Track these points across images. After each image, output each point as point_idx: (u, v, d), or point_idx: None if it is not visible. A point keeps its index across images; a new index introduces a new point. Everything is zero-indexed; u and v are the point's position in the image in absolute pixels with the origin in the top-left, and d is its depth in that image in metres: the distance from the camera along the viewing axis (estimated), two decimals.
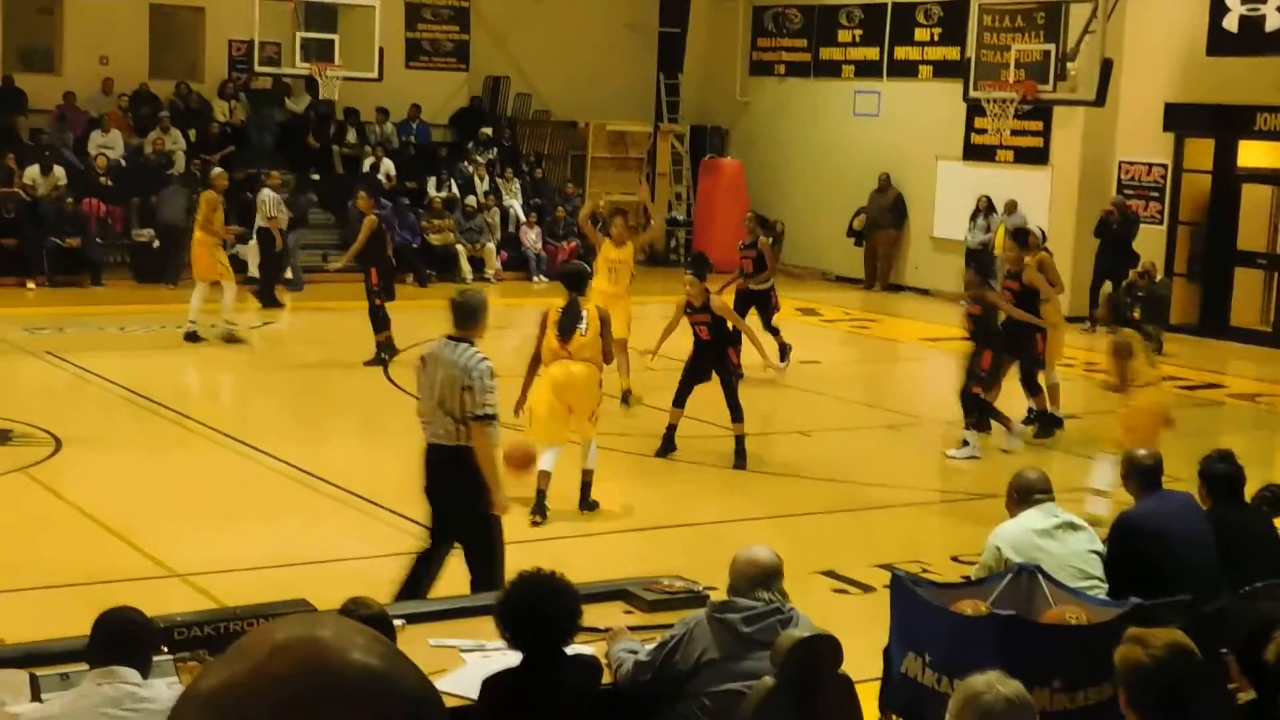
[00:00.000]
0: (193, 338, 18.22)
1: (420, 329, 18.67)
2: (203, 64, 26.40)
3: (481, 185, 26.23)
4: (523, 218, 26.11)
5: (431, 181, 26.11)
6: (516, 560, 8.65)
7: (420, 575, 8.42)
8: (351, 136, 26.66)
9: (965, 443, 13.69)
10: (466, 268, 24.75)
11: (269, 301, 21.29)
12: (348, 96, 25.59)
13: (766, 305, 17.25)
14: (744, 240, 17.63)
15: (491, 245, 25.32)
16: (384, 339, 17.28)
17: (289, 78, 25.29)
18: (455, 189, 26.11)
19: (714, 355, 12.88)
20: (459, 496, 8.30)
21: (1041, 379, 14.66)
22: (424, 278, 24.12)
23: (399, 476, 13.01)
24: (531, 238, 25.80)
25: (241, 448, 13.19)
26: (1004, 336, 13.99)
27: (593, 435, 11.02)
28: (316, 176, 25.60)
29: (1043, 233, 16.78)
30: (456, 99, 28.23)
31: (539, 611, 5.63)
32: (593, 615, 6.32)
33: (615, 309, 13.47)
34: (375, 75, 23.47)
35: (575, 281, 11.15)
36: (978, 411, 13.73)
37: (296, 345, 19.64)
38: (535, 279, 24.96)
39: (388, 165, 25.69)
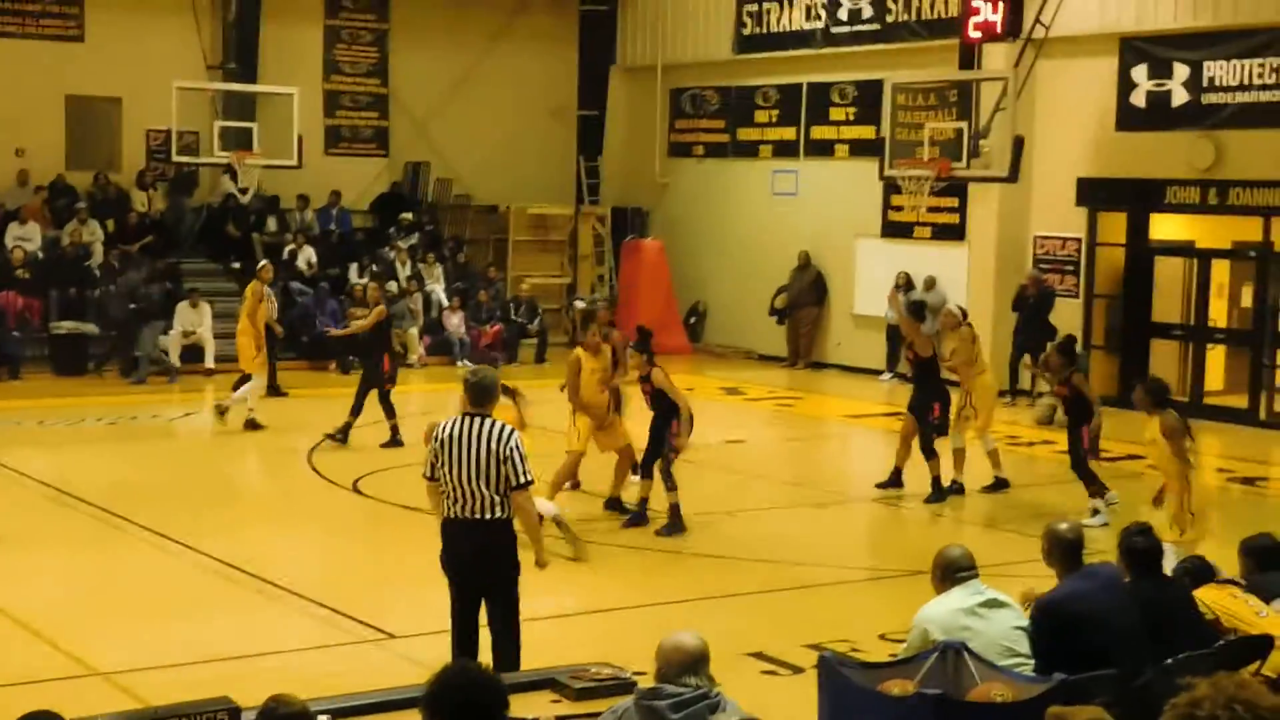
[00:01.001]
0: (253, 425, 18.63)
1: (343, 416, 18.66)
2: (120, 154, 26.32)
3: (404, 271, 26.22)
4: (445, 302, 26.11)
5: (353, 268, 26.08)
6: (441, 649, 8.63)
7: (472, 643, 8.63)
8: (272, 224, 26.62)
9: (1096, 511, 14.57)
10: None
11: (272, 390, 21.18)
12: (267, 184, 25.59)
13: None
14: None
15: (415, 331, 25.28)
16: (392, 425, 17.38)
17: (207, 166, 25.24)
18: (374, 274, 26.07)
19: (654, 424, 13.57)
20: (493, 566, 8.55)
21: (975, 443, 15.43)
22: (347, 365, 24.01)
23: (323, 568, 12.96)
24: (455, 322, 25.79)
25: (164, 542, 13.04)
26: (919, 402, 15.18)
27: None
28: (237, 265, 25.50)
29: (963, 310, 17.06)
30: (377, 185, 28.30)
31: (465, 702, 5.57)
32: (520, 705, 6.28)
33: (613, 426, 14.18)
34: (295, 162, 23.48)
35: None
36: (1093, 479, 14.82)
37: (219, 436, 19.47)
38: (460, 363, 24.92)
39: (308, 252, 25.65)
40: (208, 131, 23.98)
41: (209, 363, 23.07)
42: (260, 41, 26.58)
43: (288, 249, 25.68)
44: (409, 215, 27.51)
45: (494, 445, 8.37)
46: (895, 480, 15.81)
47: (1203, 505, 11.66)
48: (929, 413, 15.35)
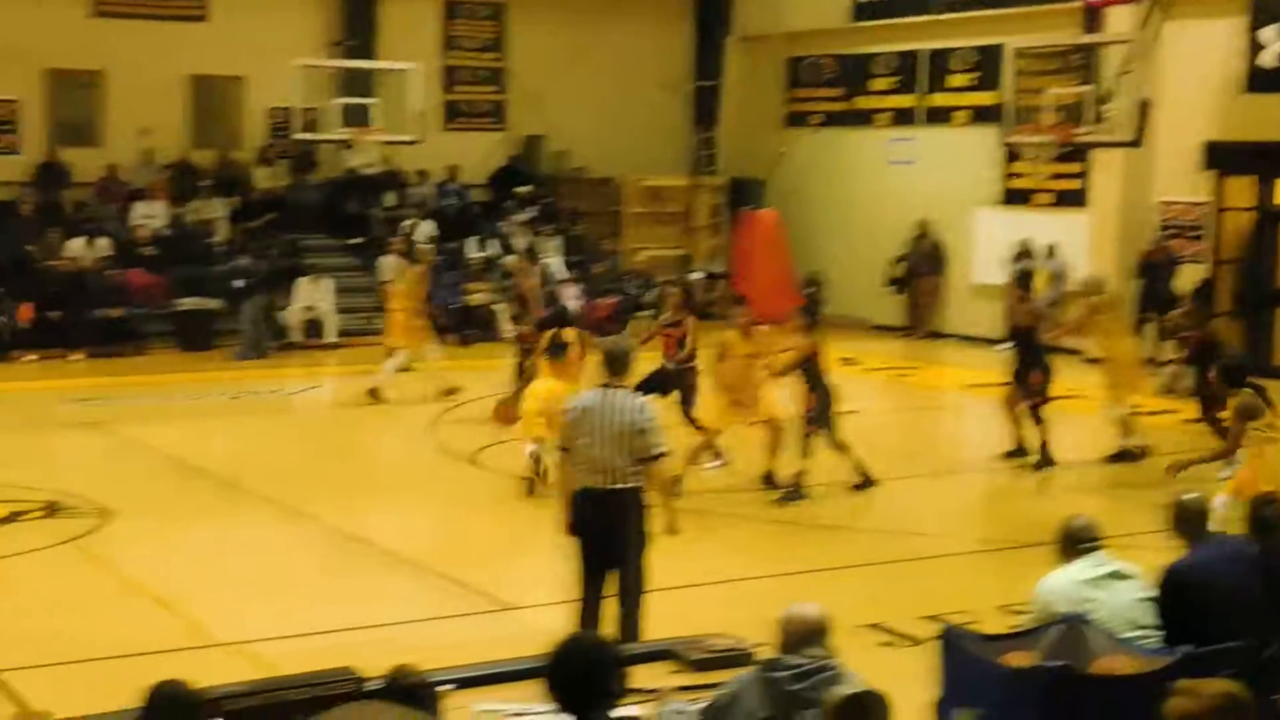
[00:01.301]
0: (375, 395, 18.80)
1: (466, 387, 18.81)
2: (242, 132, 26.65)
3: (520, 244, 26.31)
4: (561, 275, 26.16)
5: (471, 241, 26.22)
6: (560, 620, 8.67)
7: (596, 615, 8.71)
8: (391, 199, 26.83)
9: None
10: (506, 326, 24.77)
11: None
12: (387, 160, 25.77)
13: (688, 390, 15.16)
14: (667, 317, 15.47)
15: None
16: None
17: (328, 143, 25.49)
18: (494, 248, 26.23)
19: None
20: (625, 536, 8.62)
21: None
22: (466, 338, 24.21)
23: (442, 539, 13.08)
24: (570, 294, 25.83)
25: (287, 514, 13.23)
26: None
27: None
28: (357, 240, 25.76)
29: (1100, 281, 16.93)
30: (494, 158, 28.40)
31: (584, 673, 5.59)
32: (640, 676, 6.30)
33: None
34: (414, 138, 23.63)
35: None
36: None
37: (339, 408, 19.70)
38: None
39: (427, 226, 25.82)
40: (328, 108, 24.20)
41: (330, 337, 23.33)
42: (379, 18, 26.74)
43: (406, 223, 25.86)
44: (525, 188, 27.60)
45: (631, 416, 8.44)
46: (1019, 450, 15.69)
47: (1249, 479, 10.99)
48: (1029, 380, 15.30)
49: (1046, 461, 15.31)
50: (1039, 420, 15.31)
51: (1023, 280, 16.87)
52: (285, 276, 23.60)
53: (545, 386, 13.75)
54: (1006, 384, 15.90)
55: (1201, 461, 11.71)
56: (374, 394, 18.82)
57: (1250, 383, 11.56)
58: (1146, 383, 17.11)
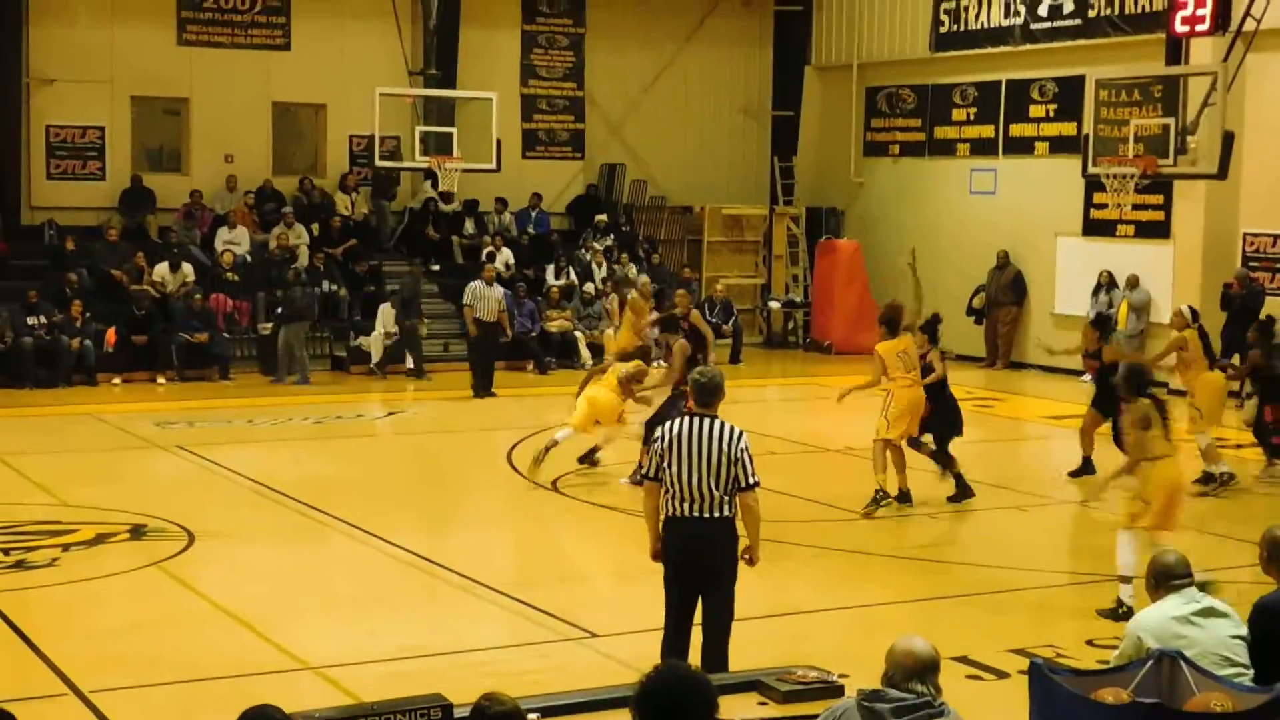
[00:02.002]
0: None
1: (543, 414, 18.88)
2: (324, 159, 26.93)
3: (599, 271, 26.42)
4: None
5: (550, 269, 26.34)
6: (644, 648, 8.67)
7: (685, 642, 8.67)
8: (470, 226, 27.00)
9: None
10: (586, 354, 24.87)
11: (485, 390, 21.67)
12: (466, 188, 25.99)
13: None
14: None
15: (611, 331, 25.39)
16: None
17: (408, 170, 25.71)
18: (573, 276, 26.32)
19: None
20: (716, 565, 8.61)
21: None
22: (544, 365, 24.30)
23: (524, 565, 13.11)
24: (648, 322, 25.84)
25: (369, 538, 13.31)
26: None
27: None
28: (436, 267, 25.94)
29: (1194, 311, 16.93)
30: (573, 187, 28.54)
31: (675, 703, 5.58)
32: (727, 706, 6.27)
33: None
34: (493, 166, 23.79)
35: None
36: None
37: (421, 434, 19.81)
38: (655, 364, 24.97)
39: (506, 254, 25.96)
40: (408, 136, 24.40)
41: (409, 363, 23.48)
42: (459, 47, 26.97)
43: (486, 250, 26.02)
44: (604, 217, 27.70)
45: (725, 446, 8.44)
46: (1086, 468, 16.13)
47: (1159, 497, 11.16)
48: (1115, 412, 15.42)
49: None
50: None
51: (1099, 322, 17.18)
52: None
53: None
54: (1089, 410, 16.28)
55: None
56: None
57: (1150, 393, 11.60)
58: (1228, 414, 17.04)
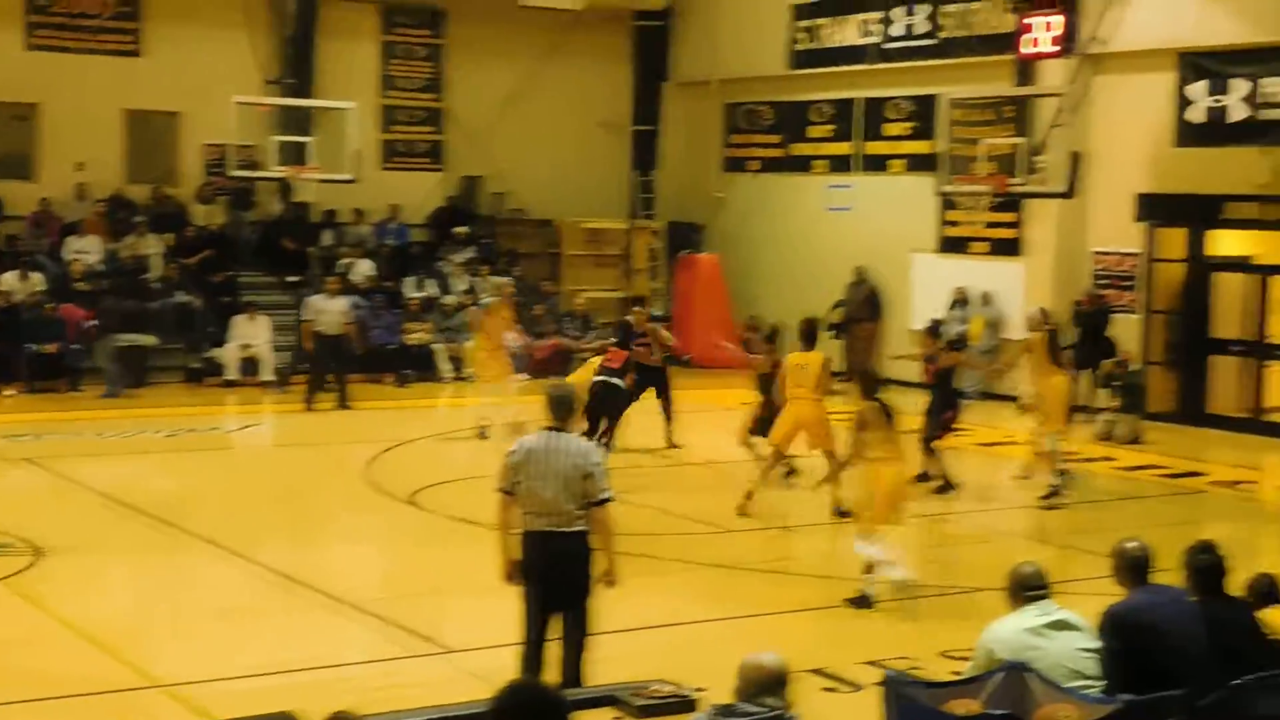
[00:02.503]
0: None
1: (401, 427, 18.77)
2: (178, 169, 26.51)
3: (459, 284, 26.31)
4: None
5: (409, 281, 26.18)
6: (502, 664, 8.64)
7: (540, 659, 8.66)
8: (328, 238, 26.76)
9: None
10: (445, 367, 24.75)
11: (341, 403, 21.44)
12: (325, 199, 25.75)
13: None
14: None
15: (470, 344, 25.32)
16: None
17: (264, 180, 25.41)
18: (433, 288, 26.20)
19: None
20: (573, 578, 8.61)
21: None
22: (403, 378, 24.16)
23: (382, 580, 13.01)
24: (510, 336, 25.79)
25: (224, 553, 13.11)
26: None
27: None
28: (294, 278, 25.66)
29: (1045, 313, 17.39)
30: (432, 199, 28.39)
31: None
32: None
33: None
34: (351, 177, 23.60)
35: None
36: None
37: (277, 448, 19.59)
38: (513, 378, 24.91)
39: (365, 266, 25.76)
40: (265, 146, 24.13)
41: (266, 375, 23.21)
42: (316, 57, 26.74)
43: (343, 262, 25.80)
44: (464, 229, 27.61)
45: (578, 460, 8.44)
46: (945, 486, 16.40)
47: (876, 497, 11.79)
48: (941, 417, 16.47)
49: (946, 488, 16.15)
50: (931, 451, 16.31)
51: (933, 330, 17.57)
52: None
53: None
54: (922, 423, 16.56)
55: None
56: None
57: (878, 397, 12.08)
58: (1074, 424, 17.42)
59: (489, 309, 20.23)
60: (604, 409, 17.13)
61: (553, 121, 28.98)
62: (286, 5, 26.24)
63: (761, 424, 16.09)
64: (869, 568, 11.67)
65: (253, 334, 23.56)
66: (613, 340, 18.43)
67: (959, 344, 21.78)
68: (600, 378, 17.36)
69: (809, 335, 15.44)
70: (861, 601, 11.62)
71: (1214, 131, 21.46)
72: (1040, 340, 16.65)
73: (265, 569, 12.59)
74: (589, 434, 16.34)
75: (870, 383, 12.24)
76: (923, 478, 16.12)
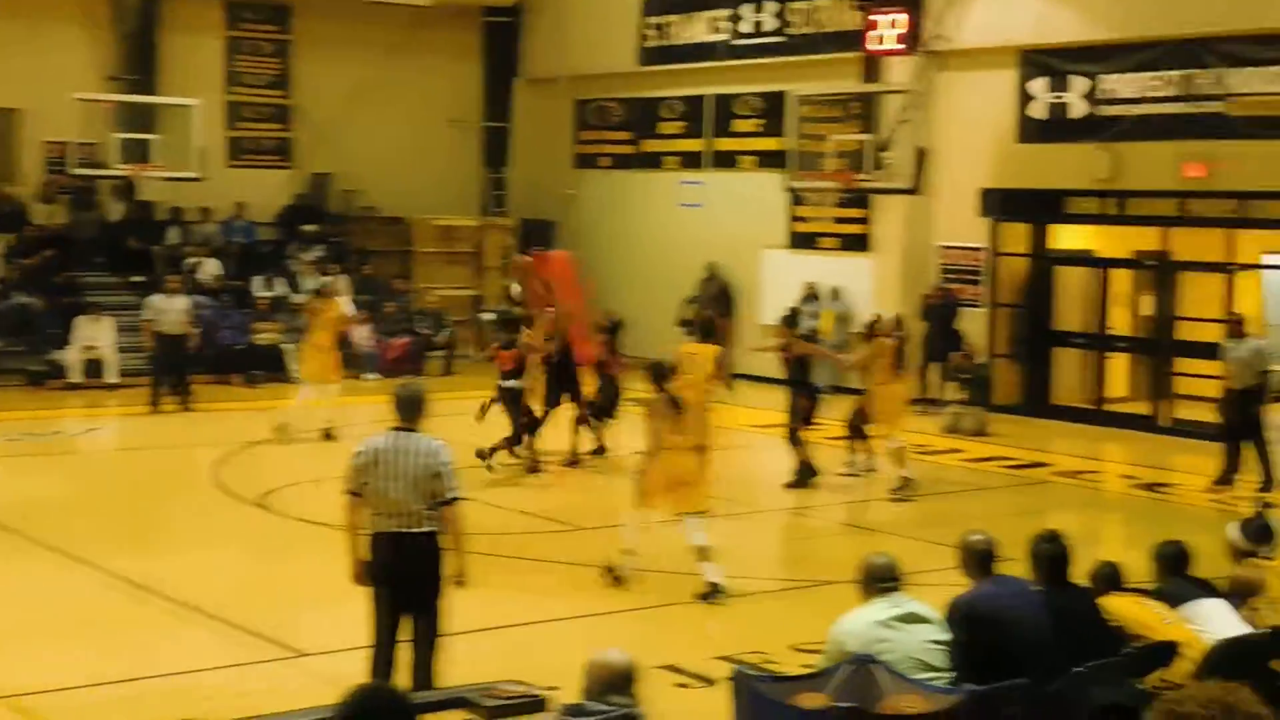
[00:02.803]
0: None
1: (248, 429, 18.52)
2: (18, 167, 25.91)
3: (308, 282, 26.00)
4: (351, 314, 25.88)
5: (257, 280, 25.84)
6: (353, 667, 8.56)
7: (392, 661, 8.56)
8: (174, 236, 26.33)
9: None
10: (295, 367, 24.43)
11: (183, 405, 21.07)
12: (170, 196, 25.31)
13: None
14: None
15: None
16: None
17: (107, 179, 24.93)
18: (282, 287, 25.89)
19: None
20: (423, 579, 8.52)
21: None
22: (252, 378, 23.83)
23: (231, 585, 12.81)
24: (361, 334, 25.60)
25: (67, 560, 12.84)
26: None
27: None
28: (139, 278, 25.20)
29: (898, 322, 18.19)
30: (281, 196, 28.06)
31: None
32: None
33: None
34: (196, 175, 23.23)
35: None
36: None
37: (122, 451, 19.24)
38: (366, 376, 24.73)
39: (212, 265, 25.38)
40: (107, 144, 23.67)
41: (111, 378, 22.78)
42: (160, 52, 26.30)
43: (190, 262, 25.40)
44: (313, 227, 27.31)
45: (427, 460, 8.36)
46: (800, 480, 16.76)
47: (655, 481, 12.13)
48: (798, 405, 16.81)
49: (806, 476, 16.51)
50: (796, 443, 16.53)
51: (789, 320, 17.75)
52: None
53: None
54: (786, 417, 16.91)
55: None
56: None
57: (666, 388, 12.44)
58: (909, 419, 17.81)
59: (311, 305, 19.92)
60: (509, 413, 17.13)
61: (403, 118, 28.78)
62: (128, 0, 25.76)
63: (598, 410, 17.08)
64: (704, 555, 11.89)
65: (96, 335, 23.10)
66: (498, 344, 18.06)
67: (810, 338, 22.07)
68: (499, 383, 17.29)
69: (705, 329, 16.17)
70: (712, 593, 11.74)
71: (1055, 128, 21.92)
72: (890, 348, 17.07)
73: (111, 575, 12.35)
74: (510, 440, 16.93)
75: (660, 373, 12.44)
76: (808, 471, 16.58)
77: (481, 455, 16.72)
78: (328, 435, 18.60)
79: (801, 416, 16.74)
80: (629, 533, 12.16)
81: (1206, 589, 8.49)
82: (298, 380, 20.48)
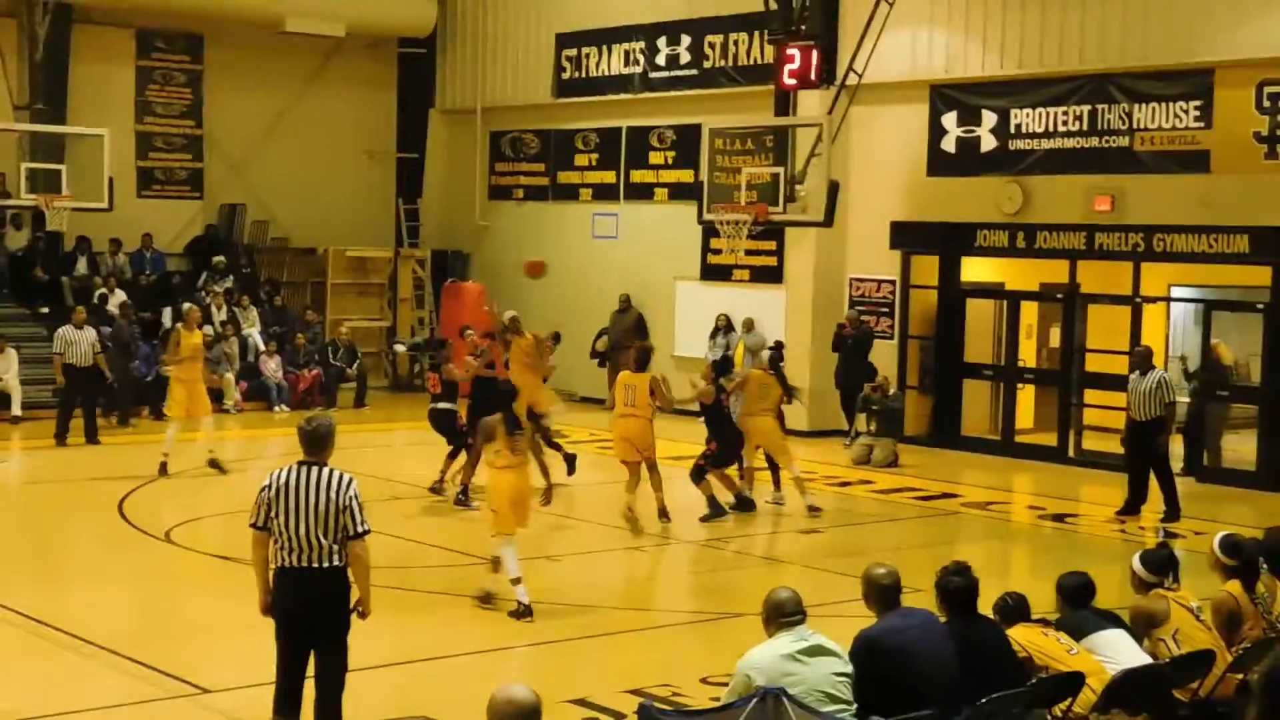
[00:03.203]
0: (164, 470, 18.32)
1: (156, 463, 18.28)
2: None
3: (219, 314, 25.80)
4: (262, 346, 25.72)
5: (167, 312, 25.59)
6: (257, 702, 8.45)
7: (298, 697, 8.46)
8: (82, 267, 26.03)
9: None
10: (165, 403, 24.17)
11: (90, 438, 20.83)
12: (78, 227, 25.04)
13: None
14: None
15: (231, 375, 24.86)
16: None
17: (15, 209, 24.63)
18: None
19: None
20: (327, 617, 8.40)
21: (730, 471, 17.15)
22: (160, 411, 23.53)
23: (135, 621, 12.64)
24: (272, 367, 25.43)
25: None
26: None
27: None
28: (45, 309, 24.89)
29: (776, 356, 18.24)
30: (192, 228, 27.84)
31: None
32: None
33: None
34: (105, 205, 23.01)
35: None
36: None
37: (24, 485, 18.94)
38: (277, 409, 24.54)
39: (120, 296, 25.11)
40: (15, 173, 23.38)
41: (15, 410, 22.44)
42: (69, 82, 26.03)
43: (98, 292, 25.11)
44: (223, 258, 27.09)
45: (334, 495, 8.26)
46: (740, 504, 17.03)
47: (500, 503, 12.33)
48: (708, 447, 17.00)
49: (715, 512, 16.56)
50: (700, 479, 16.71)
51: (720, 366, 18.00)
52: None
53: None
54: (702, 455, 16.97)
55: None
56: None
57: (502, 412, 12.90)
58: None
59: (174, 336, 19.21)
60: (448, 439, 17.57)
61: (317, 149, 28.67)
62: (38, 28, 25.48)
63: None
64: (513, 580, 12.07)
65: (2, 367, 22.75)
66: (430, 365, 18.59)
67: (724, 367, 22.14)
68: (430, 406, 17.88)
69: (641, 360, 16.52)
70: (523, 613, 11.96)
71: (966, 161, 22.16)
72: (766, 381, 17.35)
73: (11, 611, 12.14)
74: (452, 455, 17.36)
75: (501, 398, 12.80)
76: (744, 504, 16.96)
77: (435, 490, 17.23)
78: (213, 464, 18.37)
79: (712, 458, 16.89)
80: (509, 561, 12.14)
81: (1110, 619, 8.56)
82: (165, 418, 19.95)
